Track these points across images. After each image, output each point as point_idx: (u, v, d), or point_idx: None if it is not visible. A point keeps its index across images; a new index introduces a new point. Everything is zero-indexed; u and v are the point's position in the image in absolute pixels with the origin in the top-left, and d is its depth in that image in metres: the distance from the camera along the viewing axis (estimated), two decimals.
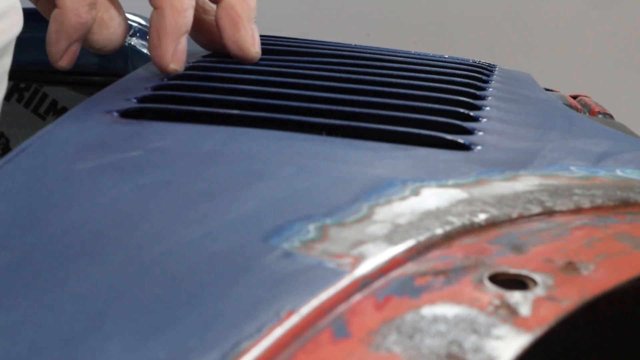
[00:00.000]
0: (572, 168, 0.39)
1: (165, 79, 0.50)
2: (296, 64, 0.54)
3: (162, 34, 0.50)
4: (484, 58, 0.72)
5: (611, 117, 0.63)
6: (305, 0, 1.85)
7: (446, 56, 0.65)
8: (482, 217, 0.32)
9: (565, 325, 0.26)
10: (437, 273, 0.28)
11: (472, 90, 0.52)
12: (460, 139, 0.42)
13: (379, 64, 0.56)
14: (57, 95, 0.79)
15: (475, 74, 0.57)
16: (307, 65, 0.54)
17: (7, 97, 0.76)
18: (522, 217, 0.33)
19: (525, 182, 0.36)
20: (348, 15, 1.84)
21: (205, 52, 0.57)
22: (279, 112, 0.44)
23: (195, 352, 0.23)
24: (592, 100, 0.67)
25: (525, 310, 0.26)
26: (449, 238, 0.31)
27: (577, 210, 0.34)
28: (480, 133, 0.43)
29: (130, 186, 0.33)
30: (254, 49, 0.54)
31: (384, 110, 0.46)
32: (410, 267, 0.29)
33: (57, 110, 0.79)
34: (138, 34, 0.95)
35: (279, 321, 0.25)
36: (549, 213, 0.34)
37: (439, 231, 0.31)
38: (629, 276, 0.29)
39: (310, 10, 1.84)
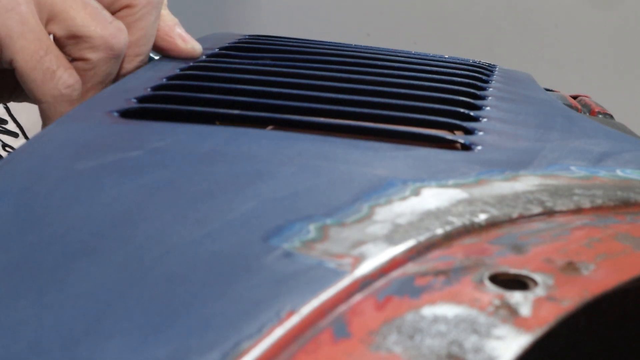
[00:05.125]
0: (572, 168, 0.39)
1: (165, 79, 0.50)
2: (296, 64, 0.54)
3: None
4: (484, 58, 0.72)
5: (611, 117, 0.63)
6: (305, 0, 1.85)
7: (446, 56, 0.65)
8: (482, 217, 0.32)
9: (566, 325, 0.26)
10: (437, 273, 0.28)
11: (472, 90, 0.52)
12: (461, 139, 0.42)
13: (379, 63, 0.56)
14: None
15: (475, 74, 0.57)
16: (307, 65, 0.54)
17: None
18: (522, 217, 0.33)
19: (526, 182, 0.36)
20: (348, 15, 1.84)
21: (209, 52, 0.57)
22: (278, 112, 0.44)
23: (195, 352, 0.23)
24: (592, 100, 0.67)
25: (525, 310, 0.26)
26: (449, 238, 0.31)
27: (577, 211, 0.34)
28: (481, 133, 0.43)
29: (130, 186, 0.33)
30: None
31: (384, 110, 0.46)
32: (410, 267, 0.29)
33: None
34: None
35: (279, 321, 0.25)
36: (549, 213, 0.34)
37: (439, 231, 0.31)
38: (629, 276, 0.29)
39: (310, 10, 1.84)
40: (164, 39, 0.55)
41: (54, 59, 0.48)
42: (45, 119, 0.49)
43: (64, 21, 0.49)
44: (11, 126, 0.78)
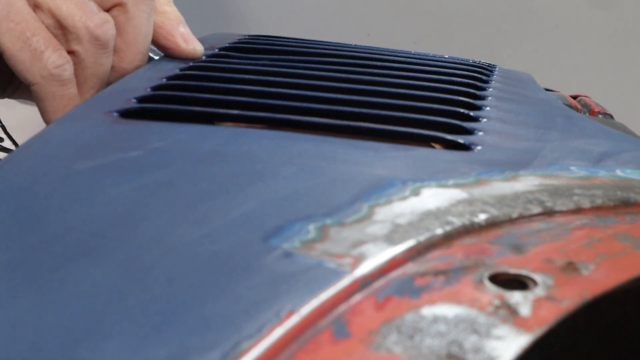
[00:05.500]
0: (572, 168, 0.39)
1: (165, 79, 0.50)
2: (296, 64, 0.54)
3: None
4: (484, 58, 0.72)
5: (611, 117, 0.63)
6: (306, 0, 1.85)
7: (446, 56, 0.65)
8: (482, 217, 0.32)
9: (566, 325, 0.26)
10: (437, 273, 0.28)
11: (472, 91, 0.52)
12: (461, 139, 0.42)
13: (379, 64, 0.56)
14: None
15: (475, 74, 0.57)
16: (307, 65, 0.54)
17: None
18: (522, 217, 0.33)
19: (525, 182, 0.36)
20: (348, 15, 1.84)
21: (209, 52, 0.57)
22: (278, 112, 0.44)
23: (195, 352, 0.23)
24: (592, 100, 0.67)
25: (525, 310, 0.26)
26: (449, 238, 0.31)
27: (577, 210, 0.34)
28: (481, 133, 0.43)
29: (130, 186, 0.33)
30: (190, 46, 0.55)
31: (384, 110, 0.46)
32: (410, 267, 0.29)
33: None
34: None
35: (279, 321, 0.25)
36: (549, 213, 0.34)
37: (439, 231, 0.31)
38: (629, 276, 0.29)
39: (310, 10, 1.84)
40: (166, 38, 0.55)
41: (42, 40, 0.48)
42: (38, 100, 0.49)
43: (50, 10, 0.49)
44: (7, 144, 0.78)
